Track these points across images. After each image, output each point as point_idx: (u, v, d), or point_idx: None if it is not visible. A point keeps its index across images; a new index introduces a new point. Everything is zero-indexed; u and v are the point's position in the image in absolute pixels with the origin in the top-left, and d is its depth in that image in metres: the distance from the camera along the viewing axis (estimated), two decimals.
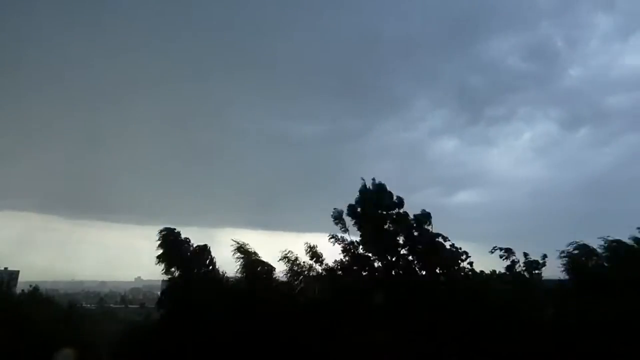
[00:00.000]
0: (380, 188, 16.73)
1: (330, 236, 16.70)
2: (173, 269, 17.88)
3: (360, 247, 16.37)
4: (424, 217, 16.53)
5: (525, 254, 15.55)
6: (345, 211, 16.71)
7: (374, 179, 16.87)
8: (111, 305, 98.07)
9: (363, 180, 16.87)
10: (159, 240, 18.06)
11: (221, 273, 18.06)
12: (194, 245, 18.37)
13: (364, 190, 16.83)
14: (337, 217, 16.81)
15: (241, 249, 17.21)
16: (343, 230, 16.71)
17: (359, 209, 16.68)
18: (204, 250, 18.38)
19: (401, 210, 16.63)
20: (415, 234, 16.40)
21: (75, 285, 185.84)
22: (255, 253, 17.41)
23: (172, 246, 17.89)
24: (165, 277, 18.25)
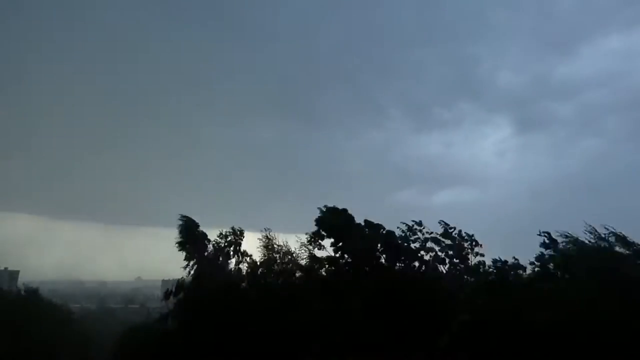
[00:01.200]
0: (333, 209, 21.81)
1: (308, 254, 21.50)
2: (192, 262, 18.35)
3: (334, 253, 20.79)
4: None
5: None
6: (311, 232, 21.65)
7: (326, 205, 22.17)
8: (111, 305, 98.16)
9: (319, 208, 21.90)
10: (179, 227, 18.70)
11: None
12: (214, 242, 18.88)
13: (321, 214, 21.74)
14: (310, 239, 21.62)
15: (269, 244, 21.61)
16: (318, 247, 21.42)
17: (321, 230, 21.48)
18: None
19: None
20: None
21: (75, 285, 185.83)
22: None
23: (192, 237, 18.74)
24: (184, 271, 18.77)
